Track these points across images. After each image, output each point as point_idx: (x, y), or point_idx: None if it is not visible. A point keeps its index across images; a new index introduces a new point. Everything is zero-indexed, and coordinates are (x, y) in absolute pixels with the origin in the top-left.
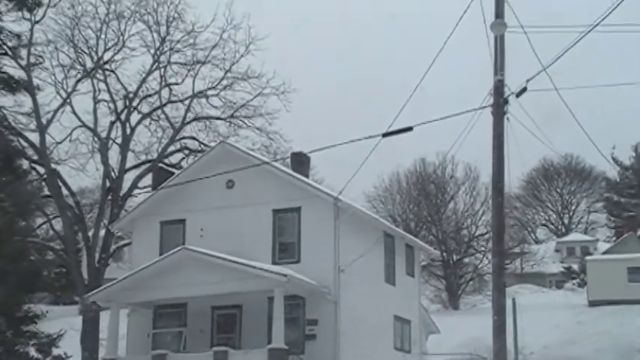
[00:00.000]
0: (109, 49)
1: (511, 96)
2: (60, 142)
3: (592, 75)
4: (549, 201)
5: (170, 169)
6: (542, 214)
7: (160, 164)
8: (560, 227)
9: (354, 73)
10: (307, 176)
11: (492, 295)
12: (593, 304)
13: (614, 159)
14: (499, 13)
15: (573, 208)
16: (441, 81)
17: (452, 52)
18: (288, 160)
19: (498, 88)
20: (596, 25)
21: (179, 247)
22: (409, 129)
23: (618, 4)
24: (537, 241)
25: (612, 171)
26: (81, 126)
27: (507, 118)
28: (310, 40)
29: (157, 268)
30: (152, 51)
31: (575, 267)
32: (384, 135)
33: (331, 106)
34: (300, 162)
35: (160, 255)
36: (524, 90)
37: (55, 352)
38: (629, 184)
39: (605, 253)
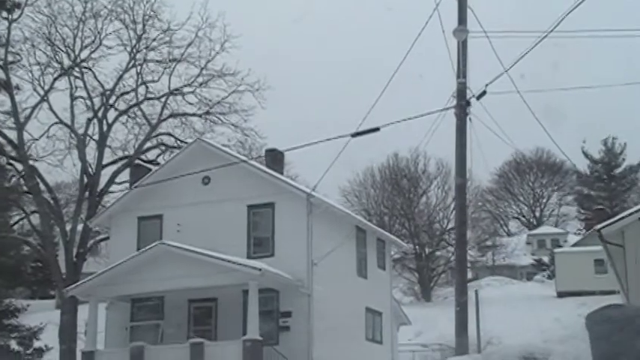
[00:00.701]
0: (86, 47)
1: (472, 99)
2: (37, 139)
3: (566, 75)
4: (521, 194)
5: (147, 165)
6: (514, 207)
7: (138, 161)
8: (532, 220)
9: (348, 63)
10: (282, 172)
11: (455, 288)
12: (561, 295)
13: (584, 153)
14: (462, 20)
15: (545, 201)
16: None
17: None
18: (264, 156)
19: (461, 90)
20: (550, 31)
21: (156, 242)
22: (376, 129)
23: (568, 13)
24: (510, 234)
25: (583, 165)
26: (58, 122)
27: (470, 119)
28: (306, 35)
29: (135, 262)
30: (128, 49)
31: (546, 259)
32: (353, 135)
33: (329, 97)
34: (275, 158)
35: (138, 250)
36: (483, 93)
37: (36, 344)
38: (599, 178)
39: (574, 245)
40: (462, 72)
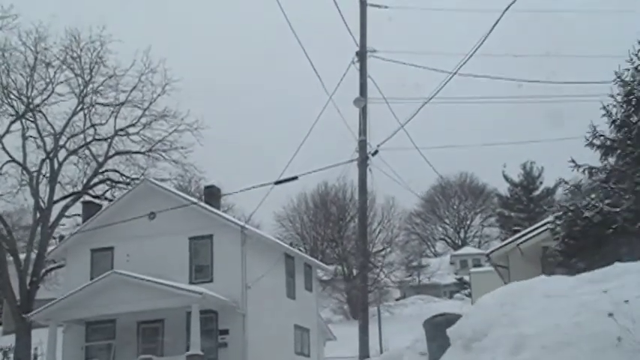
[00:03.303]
0: (40, 94)
1: (370, 153)
2: None
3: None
4: (447, 217)
5: (97, 201)
6: (440, 228)
7: (88, 197)
8: (457, 241)
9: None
10: (219, 206)
11: (360, 306)
12: None
13: (505, 177)
14: (362, 92)
15: (469, 222)
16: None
17: None
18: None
19: (362, 146)
20: (431, 98)
21: (109, 272)
22: (295, 178)
23: (444, 84)
24: (437, 254)
25: (504, 188)
26: (10, 161)
27: (370, 170)
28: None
29: (90, 289)
30: (77, 91)
31: (467, 278)
32: (276, 183)
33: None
34: (212, 194)
35: (91, 278)
36: (376, 152)
37: None
38: (519, 200)
39: None
40: (362, 131)
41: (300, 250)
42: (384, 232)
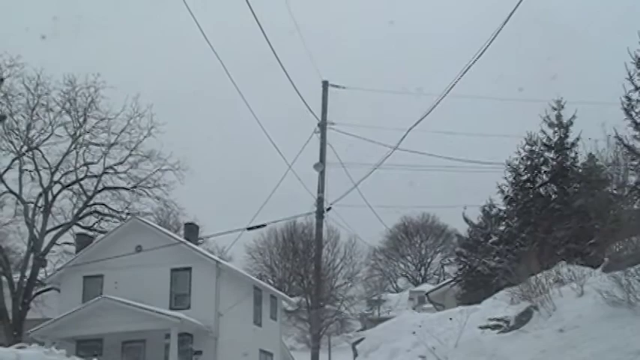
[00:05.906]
0: (40, 134)
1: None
2: None
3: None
4: (409, 254)
5: (89, 232)
6: (402, 265)
7: (78, 228)
8: (417, 278)
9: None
10: (197, 241)
11: (312, 336)
12: None
13: (465, 218)
14: (322, 157)
15: (429, 260)
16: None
17: None
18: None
19: (320, 202)
20: (381, 163)
21: (99, 297)
22: (264, 225)
23: (390, 154)
24: (398, 290)
25: (463, 229)
26: (6, 192)
27: (325, 222)
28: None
29: (82, 312)
30: (71, 132)
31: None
32: (247, 229)
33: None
34: (191, 230)
35: (83, 302)
36: (329, 208)
37: None
38: (477, 241)
39: None
40: (320, 190)
41: (268, 281)
42: (346, 268)
